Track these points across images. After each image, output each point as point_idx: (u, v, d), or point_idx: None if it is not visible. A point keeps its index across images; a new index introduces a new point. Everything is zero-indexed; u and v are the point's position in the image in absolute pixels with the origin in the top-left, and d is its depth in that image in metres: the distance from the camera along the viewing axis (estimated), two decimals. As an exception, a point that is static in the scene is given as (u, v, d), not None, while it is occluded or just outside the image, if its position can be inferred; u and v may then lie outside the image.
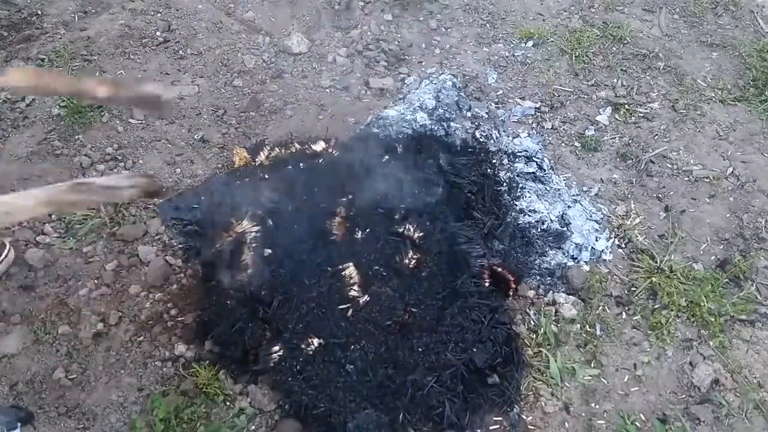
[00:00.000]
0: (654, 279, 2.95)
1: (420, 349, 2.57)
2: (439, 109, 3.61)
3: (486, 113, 3.68)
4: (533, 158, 3.43)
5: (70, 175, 3.15)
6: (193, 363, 2.57)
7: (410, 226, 2.84)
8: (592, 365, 2.69)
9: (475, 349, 2.58)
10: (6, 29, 3.85)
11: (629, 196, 3.34)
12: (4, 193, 1.91)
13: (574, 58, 4.01)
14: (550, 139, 3.59)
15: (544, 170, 3.39)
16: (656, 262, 3.02)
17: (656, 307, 2.89)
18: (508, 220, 3.10)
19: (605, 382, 2.66)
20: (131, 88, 2.13)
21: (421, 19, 4.25)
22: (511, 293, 2.85)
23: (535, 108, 3.73)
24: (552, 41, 4.13)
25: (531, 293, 2.90)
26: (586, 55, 4.05)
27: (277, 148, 3.28)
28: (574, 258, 3.04)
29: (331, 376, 2.49)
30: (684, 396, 2.64)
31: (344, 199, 2.94)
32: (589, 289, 2.92)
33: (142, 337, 2.65)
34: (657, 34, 4.26)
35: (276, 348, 2.55)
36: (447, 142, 3.43)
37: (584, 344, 2.75)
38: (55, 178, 3.13)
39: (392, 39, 4.08)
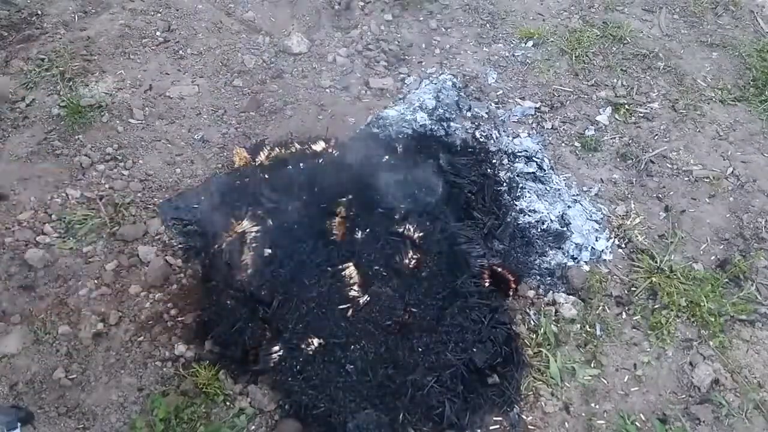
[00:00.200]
0: (654, 279, 2.95)
1: (420, 349, 2.57)
2: (439, 109, 3.61)
3: (486, 113, 3.68)
4: (533, 158, 3.43)
5: (70, 175, 3.16)
6: (193, 363, 2.57)
7: (410, 226, 2.84)
8: (592, 365, 2.69)
9: (475, 349, 2.58)
10: (6, 29, 3.85)
11: (629, 196, 3.34)
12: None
13: (574, 58, 4.01)
14: (550, 139, 3.59)
15: (544, 170, 3.39)
16: (656, 262, 3.02)
17: (656, 307, 2.89)
18: (508, 220, 3.10)
19: (605, 382, 2.66)
20: None
21: (421, 19, 4.25)
22: (511, 293, 2.85)
23: (535, 108, 3.73)
24: (552, 41, 4.13)
25: (531, 293, 2.90)
26: (586, 55, 4.05)
27: (277, 148, 3.28)
28: (574, 258, 3.04)
29: (331, 376, 2.49)
30: (684, 396, 2.64)
31: (344, 199, 2.93)
32: (589, 289, 2.92)
33: (142, 337, 2.65)
34: (657, 34, 4.26)
35: (276, 348, 2.55)
36: (447, 142, 3.43)
37: (584, 344, 2.75)
38: (55, 178, 3.14)
39: (392, 39, 4.08)
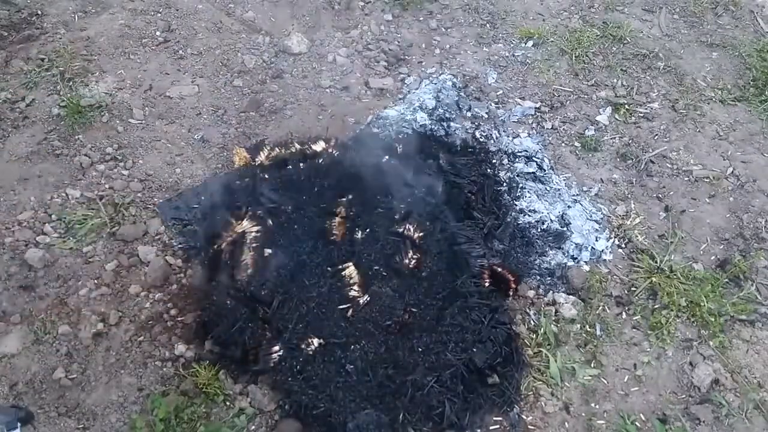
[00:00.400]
0: (654, 279, 2.95)
1: (420, 349, 2.57)
2: (439, 109, 3.61)
3: (486, 113, 3.68)
4: (533, 158, 3.43)
5: (70, 175, 3.16)
6: (193, 363, 2.57)
7: (410, 226, 2.84)
8: (592, 365, 2.69)
9: (475, 349, 2.58)
10: (6, 29, 3.85)
11: (629, 196, 3.34)
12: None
13: (574, 58, 4.01)
14: (550, 139, 3.59)
15: (544, 170, 3.39)
16: (656, 262, 3.02)
17: (656, 307, 2.89)
18: (508, 220, 3.10)
19: (605, 382, 2.66)
20: None
21: (421, 19, 4.25)
22: (511, 293, 2.85)
23: (535, 108, 3.73)
24: (552, 41, 4.13)
25: (531, 293, 2.90)
26: (586, 55, 4.05)
27: (277, 148, 3.28)
28: (574, 258, 3.04)
29: (331, 376, 2.49)
30: (684, 396, 2.64)
31: (344, 199, 2.94)
32: (589, 289, 2.92)
33: (142, 337, 2.65)
34: (657, 34, 4.26)
35: (276, 348, 2.55)
36: (447, 142, 3.43)
37: (584, 344, 2.75)
38: (55, 178, 3.14)
39: (392, 39, 4.08)
